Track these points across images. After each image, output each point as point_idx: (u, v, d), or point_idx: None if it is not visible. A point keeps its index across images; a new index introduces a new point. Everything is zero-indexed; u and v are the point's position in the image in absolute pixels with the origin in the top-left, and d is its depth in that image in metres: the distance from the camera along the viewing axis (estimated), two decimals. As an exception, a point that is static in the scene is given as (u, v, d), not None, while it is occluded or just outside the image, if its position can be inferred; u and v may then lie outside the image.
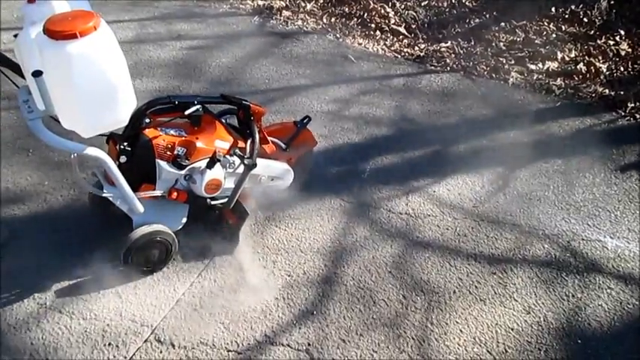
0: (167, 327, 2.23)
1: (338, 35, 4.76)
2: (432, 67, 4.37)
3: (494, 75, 4.26)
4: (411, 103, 3.86)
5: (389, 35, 4.82)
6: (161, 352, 2.14)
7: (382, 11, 5.03)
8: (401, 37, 4.81)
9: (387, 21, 4.94)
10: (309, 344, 2.21)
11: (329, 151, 3.23)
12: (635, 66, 4.31)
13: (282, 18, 4.96)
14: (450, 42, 4.71)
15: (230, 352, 2.16)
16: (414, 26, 4.94)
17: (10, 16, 4.61)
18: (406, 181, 3.12)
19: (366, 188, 3.05)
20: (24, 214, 2.71)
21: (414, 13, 5.05)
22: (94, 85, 1.85)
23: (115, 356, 2.11)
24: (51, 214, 2.73)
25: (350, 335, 2.25)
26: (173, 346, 2.16)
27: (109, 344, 2.15)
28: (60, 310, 2.27)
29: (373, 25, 4.90)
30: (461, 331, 2.30)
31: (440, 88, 4.07)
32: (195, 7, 5.07)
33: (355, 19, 4.98)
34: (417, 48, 4.66)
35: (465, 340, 2.26)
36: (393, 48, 4.65)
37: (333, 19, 4.98)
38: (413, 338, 2.26)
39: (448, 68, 4.34)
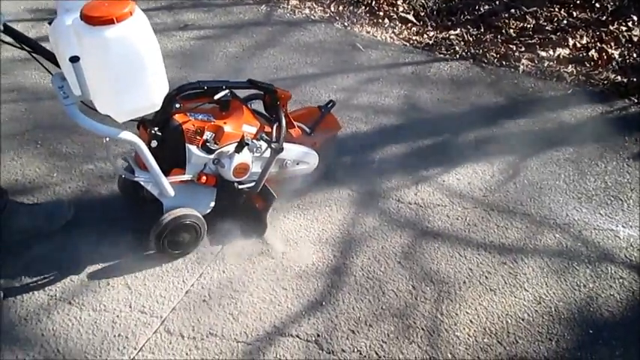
0: (176, 318, 2.24)
1: (346, 23, 4.71)
2: (441, 55, 4.32)
3: (504, 62, 4.21)
4: (420, 92, 3.82)
5: (397, 23, 4.77)
6: (170, 342, 2.15)
7: (390, -1, 4.98)
8: (409, 24, 4.76)
9: (395, 9, 4.89)
10: (318, 335, 2.20)
11: (337, 141, 3.21)
12: (648, 52, 4.24)
13: (289, 6, 4.92)
14: (459, 29, 4.65)
15: (239, 343, 2.16)
16: (422, 14, 4.88)
17: (16, 8, 4.61)
18: (415, 170, 3.09)
19: (374, 178, 3.03)
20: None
21: (423, 1, 4.99)
22: (130, 70, 1.88)
23: (124, 347, 2.12)
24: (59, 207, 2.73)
25: (359, 326, 2.25)
26: (182, 337, 2.17)
27: (119, 335, 2.16)
28: (70, 302, 2.27)
29: (381, 13, 4.85)
30: (471, 321, 2.29)
31: (449, 76, 4.03)
32: (201, -3, 5.04)
33: (363, 7, 4.92)
34: (425, 36, 4.61)
35: (475, 331, 2.25)
36: (401, 36, 4.61)
37: (340, 7, 4.92)
38: (422, 329, 2.25)
39: (457, 56, 4.30)
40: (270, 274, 2.44)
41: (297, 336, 2.19)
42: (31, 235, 2.50)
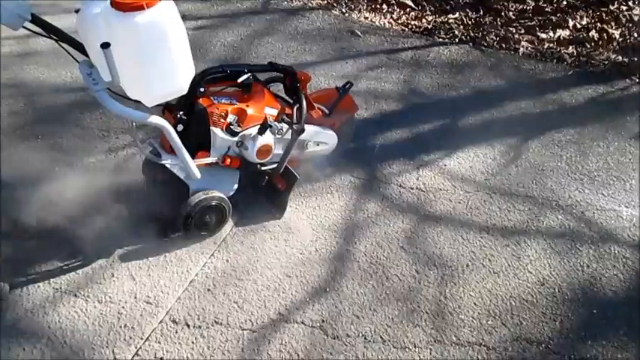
0: (181, 308, 2.25)
1: (344, 10, 4.69)
2: (440, 39, 4.30)
3: (503, 45, 4.19)
4: (419, 77, 3.81)
5: (395, 8, 4.74)
6: (176, 332, 2.16)
7: (388, -16, 4.94)
8: (408, 9, 4.73)
9: (393, -7, 4.87)
10: (322, 321, 2.21)
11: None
12: (649, 31, 4.22)
13: (286, -6, 4.90)
14: (458, 13, 4.63)
15: (245, 331, 2.17)
16: (420, -2, 4.86)
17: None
18: (416, 155, 3.09)
19: (376, 164, 3.02)
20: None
21: (421, -15, 4.96)
22: (160, 54, 1.93)
23: (131, 337, 2.13)
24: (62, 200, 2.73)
25: (364, 311, 2.26)
26: (188, 326, 2.18)
27: (125, 326, 2.17)
28: (75, 294, 2.28)
29: (379, -1, 4.82)
30: (475, 304, 2.30)
31: (449, 60, 4.01)
32: (198, -13, 5.01)
33: (361, -7, 4.90)
34: (424, 20, 4.58)
35: (479, 313, 2.26)
36: (400, 21, 4.58)
37: (338, -6, 4.90)
38: (427, 312, 2.25)
39: (457, 40, 4.28)
40: (273, 262, 2.45)
41: (302, 322, 2.20)
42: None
